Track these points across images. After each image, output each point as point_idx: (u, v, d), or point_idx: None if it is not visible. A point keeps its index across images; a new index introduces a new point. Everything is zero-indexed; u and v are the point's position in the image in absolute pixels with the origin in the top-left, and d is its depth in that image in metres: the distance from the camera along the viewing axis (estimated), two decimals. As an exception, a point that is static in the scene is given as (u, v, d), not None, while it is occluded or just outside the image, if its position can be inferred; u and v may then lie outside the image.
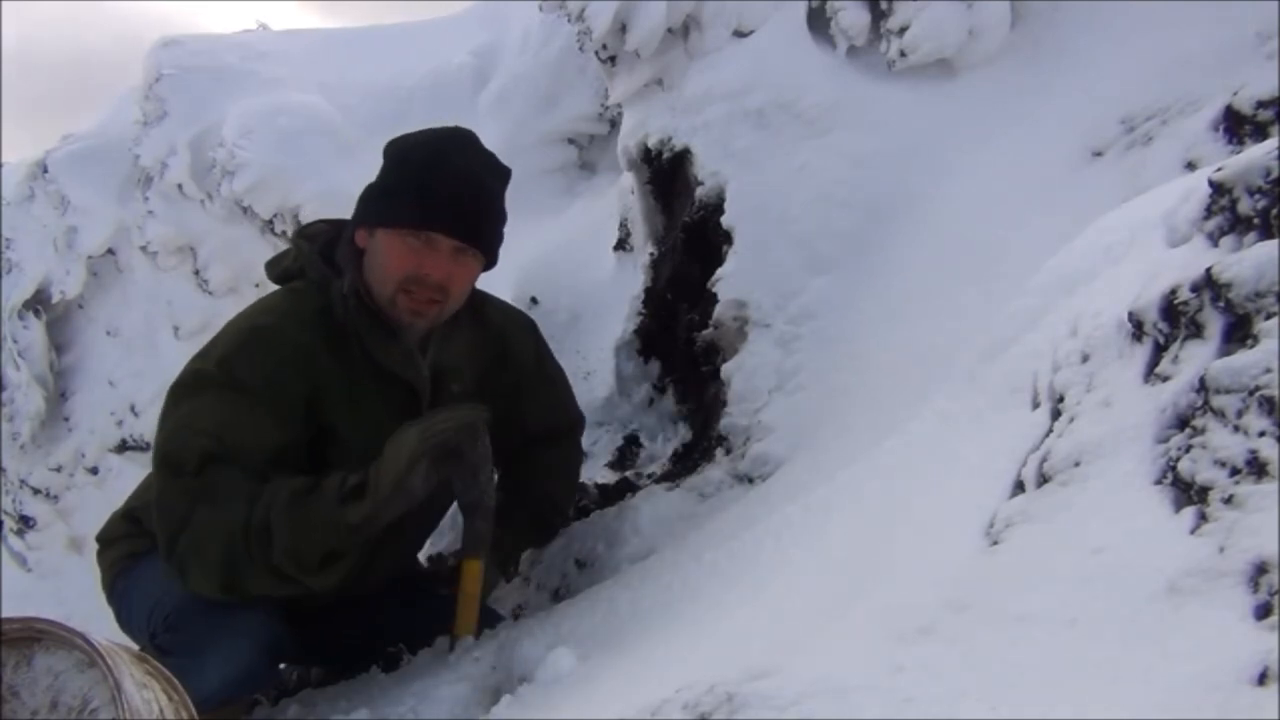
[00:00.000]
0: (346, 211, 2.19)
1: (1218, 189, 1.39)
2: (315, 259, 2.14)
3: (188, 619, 1.98)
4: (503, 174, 2.13)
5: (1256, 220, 1.32)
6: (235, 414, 1.96)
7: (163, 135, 7.15)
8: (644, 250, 4.32)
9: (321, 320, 2.06)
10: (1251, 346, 1.20)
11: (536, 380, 2.51)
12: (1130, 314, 1.40)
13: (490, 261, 2.16)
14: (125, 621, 2.25)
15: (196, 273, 7.24)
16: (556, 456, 2.60)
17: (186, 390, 2.02)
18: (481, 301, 2.34)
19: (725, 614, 1.66)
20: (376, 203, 2.09)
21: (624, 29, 3.50)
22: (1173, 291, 1.34)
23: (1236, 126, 2.41)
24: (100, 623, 2.20)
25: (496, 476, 2.29)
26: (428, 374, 2.16)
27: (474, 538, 2.15)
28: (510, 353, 2.41)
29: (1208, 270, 1.28)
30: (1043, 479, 1.35)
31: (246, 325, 2.08)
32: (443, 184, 2.02)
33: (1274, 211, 1.31)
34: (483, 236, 2.09)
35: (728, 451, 2.79)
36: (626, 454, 3.47)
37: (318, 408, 2.04)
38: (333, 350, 2.06)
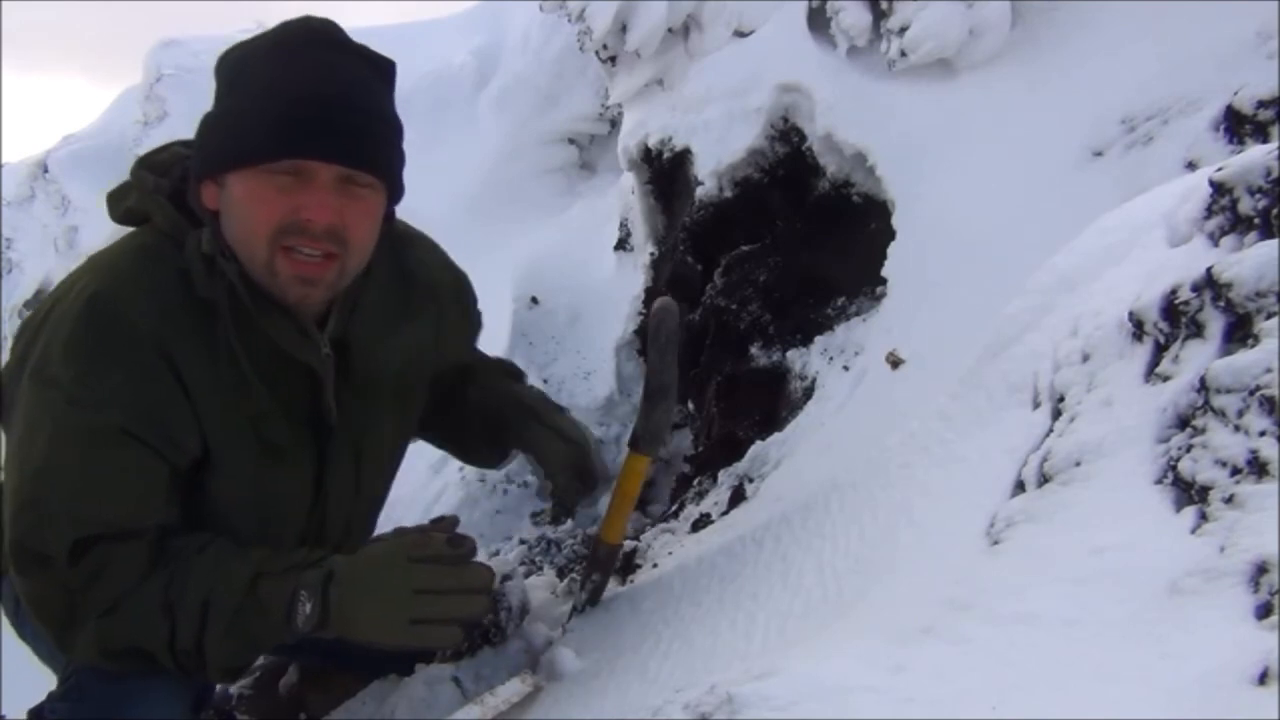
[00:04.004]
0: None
1: (1218, 189, 1.39)
2: (162, 204, 1.56)
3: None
4: (383, 68, 1.55)
5: (1257, 220, 1.32)
6: (101, 472, 1.45)
7: (164, 135, 7.16)
8: (644, 250, 4.32)
9: (179, 288, 1.50)
10: (1252, 346, 1.20)
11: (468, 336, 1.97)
12: (1131, 314, 1.40)
13: (394, 191, 1.58)
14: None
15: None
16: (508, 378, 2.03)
17: (30, 427, 1.47)
18: (403, 246, 1.73)
19: (725, 614, 1.66)
20: (219, 139, 1.50)
21: (624, 29, 3.50)
22: (1173, 291, 1.34)
23: (1237, 126, 2.41)
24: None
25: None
26: (328, 351, 1.60)
27: (650, 428, 1.86)
28: (443, 313, 1.82)
29: (1208, 270, 1.28)
30: (1043, 479, 1.35)
31: (82, 302, 1.48)
32: (305, 91, 1.45)
33: (1274, 211, 1.31)
34: (377, 154, 1.51)
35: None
36: (627, 454, 3.46)
37: (184, 421, 1.51)
38: (196, 332, 1.51)
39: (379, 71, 1.54)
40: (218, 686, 2.32)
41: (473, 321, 1.96)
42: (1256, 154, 1.38)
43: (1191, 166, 2.37)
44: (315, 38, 1.50)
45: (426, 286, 1.77)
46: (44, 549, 1.45)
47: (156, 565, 1.48)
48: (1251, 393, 1.16)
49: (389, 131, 1.54)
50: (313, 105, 1.45)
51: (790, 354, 3.30)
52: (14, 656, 1.80)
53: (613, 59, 3.75)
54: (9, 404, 1.53)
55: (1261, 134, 2.34)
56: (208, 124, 1.53)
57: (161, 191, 1.58)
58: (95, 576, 1.46)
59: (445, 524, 1.56)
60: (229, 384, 1.53)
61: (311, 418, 1.62)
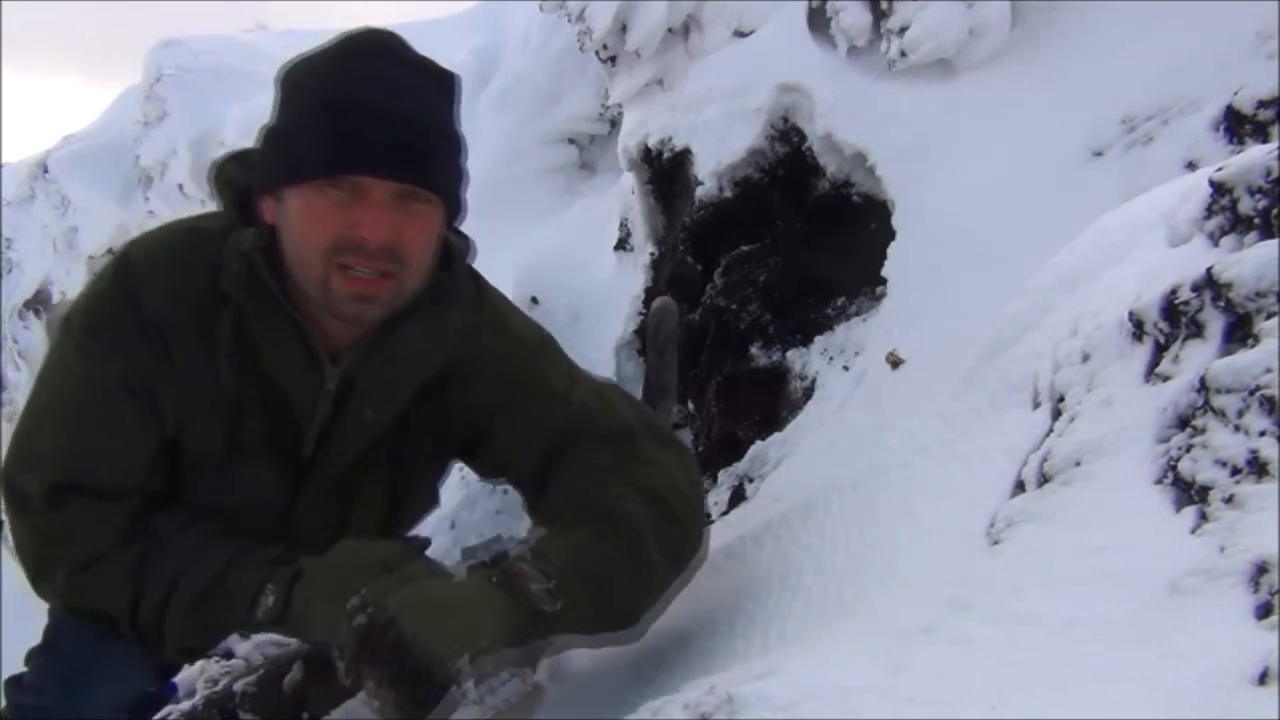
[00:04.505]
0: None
1: (1218, 189, 1.39)
2: (226, 198, 1.54)
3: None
4: (446, 82, 1.49)
5: (1257, 220, 1.32)
6: (92, 421, 1.49)
7: (163, 135, 7.18)
8: (644, 250, 4.33)
9: (203, 278, 1.49)
10: (1252, 346, 1.20)
11: (519, 396, 1.63)
12: (1131, 314, 1.40)
13: (453, 209, 1.51)
14: None
15: (196, 273, 7.27)
16: (609, 459, 1.60)
17: (45, 369, 1.56)
18: (446, 305, 1.56)
19: (725, 614, 1.66)
20: (277, 153, 1.46)
21: (624, 29, 3.51)
22: (1173, 291, 1.34)
23: (1237, 126, 2.41)
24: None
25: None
26: (333, 387, 1.52)
27: None
28: (465, 369, 1.60)
29: (1208, 270, 1.28)
30: (1043, 479, 1.35)
31: (112, 262, 1.55)
32: (361, 104, 1.40)
33: (1274, 211, 1.31)
34: (433, 171, 1.44)
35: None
36: (626, 454, 3.46)
37: (166, 400, 1.51)
38: (200, 323, 1.49)
39: (440, 84, 1.49)
40: (217, 683, 2.33)
41: (487, 399, 1.62)
42: (1256, 154, 1.38)
43: (1191, 166, 2.37)
44: (375, 50, 1.45)
45: (455, 332, 1.58)
46: (26, 488, 1.49)
47: (136, 535, 1.48)
48: (1251, 393, 1.16)
49: (448, 147, 1.48)
50: (369, 120, 1.40)
51: (790, 354, 3.30)
52: (13, 653, 1.80)
53: (613, 59, 3.76)
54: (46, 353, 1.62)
55: (1261, 134, 2.34)
56: (266, 139, 1.49)
57: (237, 185, 1.55)
58: (69, 530, 1.48)
59: (419, 543, 1.56)
60: (213, 380, 1.50)
61: (294, 442, 1.56)
